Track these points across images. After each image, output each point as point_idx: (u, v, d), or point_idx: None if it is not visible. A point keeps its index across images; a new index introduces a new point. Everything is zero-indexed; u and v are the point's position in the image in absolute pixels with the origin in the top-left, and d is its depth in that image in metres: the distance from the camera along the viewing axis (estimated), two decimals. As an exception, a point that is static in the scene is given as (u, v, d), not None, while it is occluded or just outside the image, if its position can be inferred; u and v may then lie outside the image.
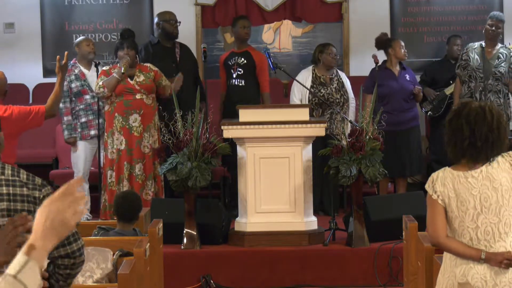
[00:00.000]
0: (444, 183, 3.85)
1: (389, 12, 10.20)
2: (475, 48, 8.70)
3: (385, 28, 10.02)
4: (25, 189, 3.27)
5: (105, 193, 7.97)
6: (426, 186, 3.90)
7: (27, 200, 3.26)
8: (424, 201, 7.47)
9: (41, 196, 3.29)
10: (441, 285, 3.91)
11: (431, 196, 3.87)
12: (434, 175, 3.91)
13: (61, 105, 8.44)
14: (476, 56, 8.65)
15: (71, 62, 8.53)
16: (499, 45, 8.75)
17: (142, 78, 7.98)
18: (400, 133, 8.54)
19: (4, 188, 3.25)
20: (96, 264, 4.76)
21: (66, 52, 6.07)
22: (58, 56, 6.10)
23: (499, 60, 8.60)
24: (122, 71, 7.84)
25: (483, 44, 8.62)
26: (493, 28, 8.60)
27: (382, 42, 8.84)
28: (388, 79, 8.59)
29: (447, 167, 3.91)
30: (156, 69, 8.08)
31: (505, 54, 8.63)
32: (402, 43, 8.81)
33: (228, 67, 8.61)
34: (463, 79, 8.71)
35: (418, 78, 9.59)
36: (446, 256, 3.92)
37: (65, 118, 8.42)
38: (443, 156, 9.16)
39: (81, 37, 8.77)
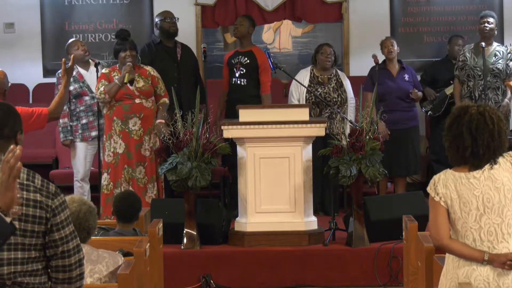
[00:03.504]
0: (446, 184, 3.83)
1: (389, 12, 10.20)
2: (472, 48, 8.81)
3: (385, 28, 10.02)
4: (38, 195, 3.25)
5: (101, 195, 7.96)
6: (428, 189, 3.88)
7: (39, 206, 3.24)
8: (425, 201, 7.55)
9: (54, 205, 3.27)
10: (443, 287, 3.89)
11: (433, 198, 3.85)
12: (435, 177, 3.89)
13: None
14: (473, 55, 8.74)
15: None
16: (495, 43, 8.82)
17: (141, 83, 7.94)
18: (396, 132, 8.52)
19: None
20: (105, 267, 4.75)
21: (72, 55, 6.05)
22: (64, 59, 6.08)
23: (496, 57, 8.74)
24: (125, 81, 7.79)
25: (483, 44, 8.69)
26: (486, 25, 8.75)
27: (380, 44, 8.90)
28: (385, 79, 8.59)
29: (448, 169, 3.89)
30: (154, 74, 8.03)
31: (502, 51, 8.78)
32: (391, 42, 8.78)
33: (231, 66, 8.61)
34: (461, 79, 8.78)
35: (418, 77, 9.60)
36: (449, 257, 3.91)
37: (61, 121, 8.33)
38: (443, 156, 9.22)
39: (70, 41, 8.61)
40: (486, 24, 8.73)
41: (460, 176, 3.83)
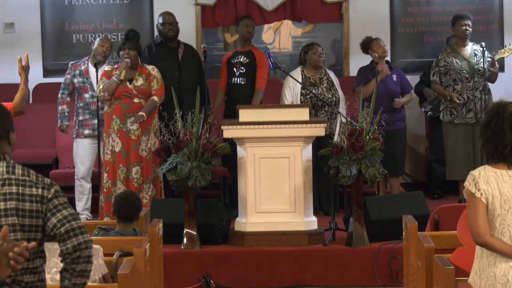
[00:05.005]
0: (488, 181, 3.85)
1: (389, 12, 10.20)
2: (449, 52, 8.83)
3: (385, 28, 10.02)
4: (34, 189, 3.33)
5: (101, 194, 7.96)
6: (467, 184, 3.88)
7: (35, 200, 3.31)
8: (424, 201, 7.56)
9: (50, 195, 3.32)
10: (477, 286, 3.89)
11: (474, 195, 3.85)
12: (474, 173, 3.89)
13: (58, 95, 8.49)
14: (455, 59, 8.75)
15: (84, 59, 8.54)
16: (470, 43, 8.85)
17: (140, 82, 7.94)
18: (385, 133, 8.48)
19: (14, 187, 3.31)
20: None
21: (26, 54, 6.09)
22: (19, 57, 6.10)
23: (477, 57, 8.79)
24: (121, 77, 7.79)
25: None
26: (467, 27, 8.81)
27: (364, 46, 8.80)
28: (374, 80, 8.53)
29: (486, 165, 3.92)
30: (152, 72, 8.00)
31: (479, 50, 8.80)
32: (382, 42, 8.74)
33: (231, 66, 8.61)
34: (446, 84, 8.80)
35: (417, 78, 9.60)
36: (483, 256, 3.91)
37: (59, 107, 8.45)
38: (443, 156, 9.24)
39: (101, 38, 8.69)
40: (467, 27, 8.78)
41: (502, 174, 3.87)
